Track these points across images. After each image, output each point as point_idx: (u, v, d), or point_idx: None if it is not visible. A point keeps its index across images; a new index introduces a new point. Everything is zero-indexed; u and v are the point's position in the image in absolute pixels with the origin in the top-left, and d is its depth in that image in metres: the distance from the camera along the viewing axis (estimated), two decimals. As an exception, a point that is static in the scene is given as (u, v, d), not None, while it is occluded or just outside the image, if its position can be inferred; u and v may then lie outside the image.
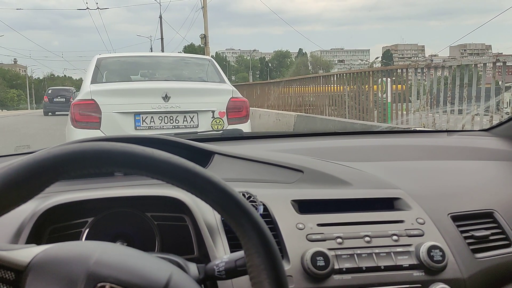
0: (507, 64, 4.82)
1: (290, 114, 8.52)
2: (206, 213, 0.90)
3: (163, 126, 4.03)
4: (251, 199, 0.92)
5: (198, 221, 0.87)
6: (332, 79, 8.48)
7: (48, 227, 0.88)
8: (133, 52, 7.26)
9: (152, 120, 4.00)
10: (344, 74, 8.25)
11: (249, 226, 0.61)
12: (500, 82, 4.58)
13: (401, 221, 0.95)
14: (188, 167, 0.61)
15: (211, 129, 4.16)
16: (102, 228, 0.91)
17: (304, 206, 0.98)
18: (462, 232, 0.97)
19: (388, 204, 1.01)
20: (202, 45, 21.74)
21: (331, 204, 0.99)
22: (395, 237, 0.92)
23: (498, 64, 4.65)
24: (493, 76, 4.65)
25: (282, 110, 9.90)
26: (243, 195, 0.93)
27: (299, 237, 0.90)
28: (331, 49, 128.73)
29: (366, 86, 7.11)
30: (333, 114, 8.09)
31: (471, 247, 0.95)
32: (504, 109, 4.46)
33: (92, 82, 4.12)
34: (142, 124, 3.98)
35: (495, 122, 4.06)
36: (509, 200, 1.08)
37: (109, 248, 0.58)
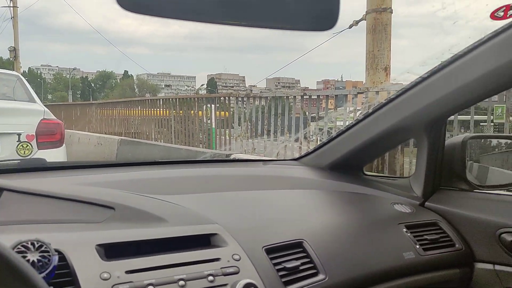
0: (312, 97, 5.55)
1: (113, 139, 8.04)
2: None
3: None
4: (43, 248, 0.76)
5: None
6: (159, 103, 8.45)
7: None
8: None
9: None
10: (171, 99, 8.33)
11: None
12: (307, 113, 5.22)
13: (218, 259, 0.91)
14: None
15: (17, 155, 3.60)
16: None
17: (112, 251, 0.86)
18: (275, 264, 0.98)
19: (204, 241, 0.96)
20: (11, 59, 19.60)
21: (144, 245, 0.90)
22: (211, 278, 0.87)
23: (305, 97, 5.31)
24: (302, 107, 5.28)
25: (105, 134, 9.31)
26: (32, 244, 0.75)
27: None
28: (158, 73, 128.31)
29: (192, 112, 7.25)
30: (159, 139, 7.98)
31: (283, 279, 0.96)
32: (310, 137, 5.07)
33: None
34: None
35: (304, 149, 4.63)
36: (316, 229, 1.16)
37: None
